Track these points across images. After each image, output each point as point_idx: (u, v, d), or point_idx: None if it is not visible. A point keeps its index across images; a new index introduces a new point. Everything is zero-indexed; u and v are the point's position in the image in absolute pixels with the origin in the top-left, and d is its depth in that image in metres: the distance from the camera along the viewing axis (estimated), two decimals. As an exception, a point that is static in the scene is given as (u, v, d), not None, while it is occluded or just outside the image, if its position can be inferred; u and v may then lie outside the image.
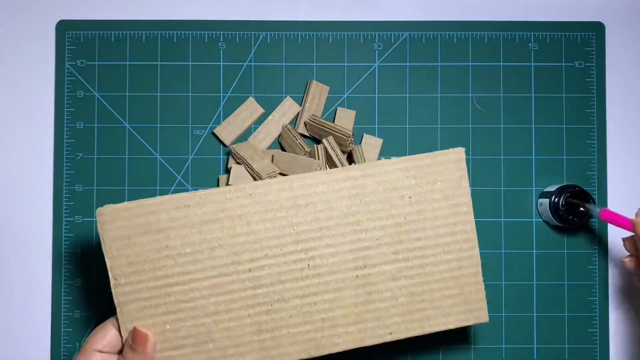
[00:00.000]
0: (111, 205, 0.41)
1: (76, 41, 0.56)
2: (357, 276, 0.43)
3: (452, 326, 0.43)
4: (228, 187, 0.42)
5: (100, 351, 0.41)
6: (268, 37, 0.57)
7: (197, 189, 0.56)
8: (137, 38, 0.56)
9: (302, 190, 0.42)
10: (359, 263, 0.43)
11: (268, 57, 0.57)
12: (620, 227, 0.46)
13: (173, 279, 0.42)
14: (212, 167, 0.56)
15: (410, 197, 0.43)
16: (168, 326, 0.42)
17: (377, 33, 0.57)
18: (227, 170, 0.55)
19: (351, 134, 0.53)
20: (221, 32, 0.57)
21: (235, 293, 0.42)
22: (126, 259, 0.41)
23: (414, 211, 0.43)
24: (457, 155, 0.43)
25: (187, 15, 0.57)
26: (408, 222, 0.43)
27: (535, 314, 0.55)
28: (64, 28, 0.57)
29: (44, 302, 0.55)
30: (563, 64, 0.57)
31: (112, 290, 0.42)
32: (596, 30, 0.57)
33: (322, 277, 0.42)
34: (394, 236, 0.43)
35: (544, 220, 0.56)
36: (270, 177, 0.52)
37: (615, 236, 0.56)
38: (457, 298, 0.43)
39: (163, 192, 0.56)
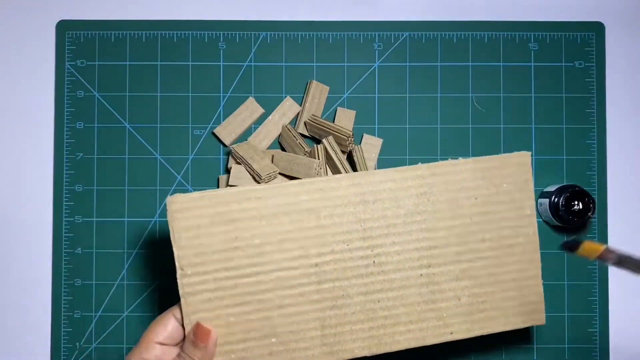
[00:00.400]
0: (182, 194, 0.41)
1: (76, 41, 0.56)
2: (421, 275, 0.43)
3: (510, 327, 0.44)
4: (299, 180, 0.42)
5: (161, 343, 0.41)
6: (268, 37, 0.57)
7: (201, 189, 0.56)
8: (137, 38, 0.56)
9: (370, 186, 0.43)
10: (424, 262, 0.43)
11: (268, 57, 0.57)
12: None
13: (240, 270, 0.41)
14: (212, 167, 0.56)
15: (476, 198, 0.43)
16: (232, 319, 0.41)
17: (377, 33, 0.57)
18: (227, 170, 0.55)
19: (351, 134, 0.53)
20: (221, 32, 0.57)
21: (301, 287, 0.42)
22: (194, 249, 0.41)
23: (480, 212, 0.43)
24: (523, 159, 0.44)
25: (187, 15, 0.57)
26: (474, 222, 0.43)
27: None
28: (64, 28, 0.57)
29: (44, 302, 0.55)
30: (563, 64, 0.57)
31: (178, 280, 0.41)
32: (596, 30, 0.57)
33: (387, 274, 0.42)
34: (459, 237, 0.43)
35: (544, 220, 0.56)
36: (271, 177, 0.52)
37: (616, 236, 0.56)
38: (516, 300, 0.44)
39: (163, 192, 0.56)
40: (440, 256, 0.43)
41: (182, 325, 0.41)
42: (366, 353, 0.42)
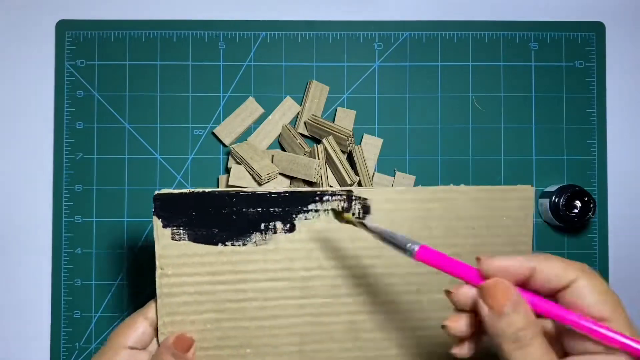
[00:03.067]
0: (169, 190, 0.39)
1: (76, 41, 0.56)
2: (409, 301, 0.41)
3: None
4: (301, 189, 0.40)
5: (131, 347, 0.38)
6: (268, 37, 0.57)
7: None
8: (137, 38, 0.56)
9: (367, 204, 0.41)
10: (413, 288, 0.41)
11: (268, 57, 0.57)
12: (455, 275, 0.31)
13: (222, 277, 0.39)
14: (212, 167, 0.56)
15: (473, 228, 0.41)
16: (209, 325, 0.40)
17: (377, 33, 0.57)
18: (227, 170, 0.55)
19: (351, 134, 0.53)
20: (221, 32, 0.57)
21: (283, 300, 0.40)
22: (177, 249, 0.39)
23: (475, 243, 0.42)
24: (526, 193, 0.42)
25: (187, 15, 0.57)
26: (467, 252, 0.41)
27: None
28: (64, 28, 0.57)
29: (44, 302, 0.55)
30: (563, 64, 0.57)
31: (157, 280, 0.39)
32: (596, 30, 0.57)
33: (375, 296, 0.41)
34: None
35: (544, 221, 0.56)
36: (271, 177, 0.52)
37: (616, 236, 0.56)
38: None
39: (163, 192, 0.56)
40: (430, 284, 0.41)
41: (156, 327, 0.39)
42: None
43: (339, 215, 0.39)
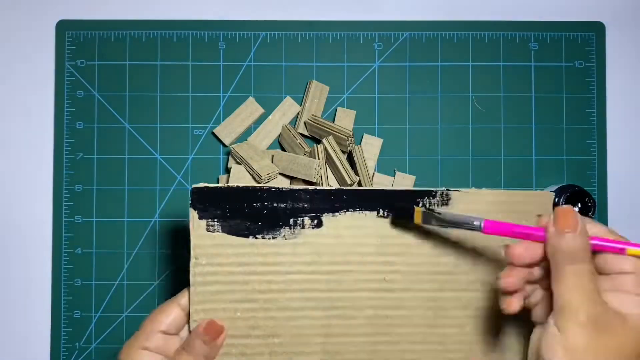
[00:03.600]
0: (205, 184, 0.41)
1: (76, 41, 0.56)
2: (431, 297, 0.42)
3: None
4: (328, 186, 0.41)
5: (164, 332, 0.39)
6: (268, 37, 0.57)
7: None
8: (137, 38, 0.56)
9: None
10: (435, 285, 0.42)
11: (268, 57, 0.57)
12: (522, 237, 0.36)
13: (253, 267, 0.41)
14: (212, 167, 0.56)
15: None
16: (239, 314, 0.41)
17: (377, 33, 0.57)
18: (227, 170, 0.55)
19: (351, 133, 0.53)
20: (221, 32, 0.57)
21: (310, 293, 0.42)
22: (211, 240, 0.41)
23: (496, 244, 0.43)
24: (545, 198, 0.43)
25: (187, 15, 0.57)
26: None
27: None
28: (64, 28, 0.57)
29: (44, 302, 0.55)
30: (563, 64, 0.57)
31: (191, 269, 0.40)
32: (596, 30, 0.57)
33: (397, 292, 0.42)
34: (472, 265, 0.43)
35: (544, 220, 0.56)
36: (271, 177, 0.52)
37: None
38: (517, 336, 0.43)
39: (163, 192, 0.56)
40: (452, 282, 0.42)
41: (188, 314, 0.41)
42: None
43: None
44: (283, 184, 0.54)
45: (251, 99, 0.56)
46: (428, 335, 0.43)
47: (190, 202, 0.40)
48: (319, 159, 0.52)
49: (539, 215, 0.36)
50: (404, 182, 0.56)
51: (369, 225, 0.42)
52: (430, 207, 0.42)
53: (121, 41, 0.56)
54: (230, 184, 0.41)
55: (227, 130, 0.56)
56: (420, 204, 0.42)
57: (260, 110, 0.56)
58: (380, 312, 0.42)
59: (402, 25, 0.57)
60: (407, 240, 0.42)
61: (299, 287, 0.41)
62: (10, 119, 0.57)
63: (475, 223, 0.37)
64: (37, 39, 0.57)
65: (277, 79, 0.57)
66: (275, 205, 0.41)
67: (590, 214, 0.52)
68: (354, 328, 0.42)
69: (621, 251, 0.33)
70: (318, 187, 0.42)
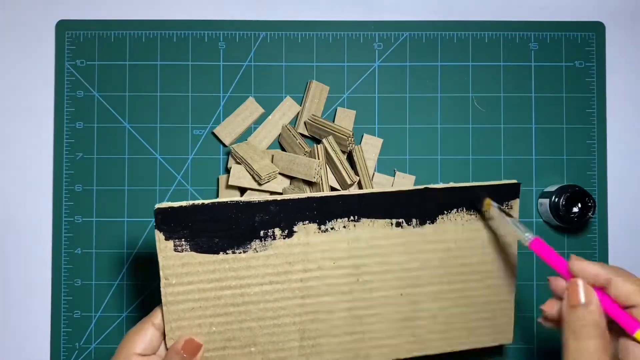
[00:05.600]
0: (169, 204, 0.40)
1: (76, 41, 0.56)
2: (401, 294, 0.43)
3: (480, 346, 0.46)
4: (296, 194, 0.42)
5: (141, 354, 0.39)
6: (268, 37, 0.57)
7: (200, 190, 0.56)
8: (137, 38, 0.56)
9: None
10: (406, 282, 0.43)
11: (268, 57, 0.57)
12: (553, 267, 0.37)
13: (226, 282, 0.41)
14: (212, 167, 0.56)
15: (463, 225, 0.44)
16: (214, 328, 0.41)
17: (377, 33, 0.57)
18: (227, 170, 0.55)
19: (351, 133, 0.53)
20: (221, 32, 0.57)
21: (284, 301, 0.42)
22: (180, 260, 0.40)
23: (464, 238, 0.44)
24: (511, 189, 0.45)
25: (187, 15, 0.57)
26: (457, 247, 0.44)
27: (535, 314, 0.55)
28: (64, 28, 0.57)
29: (44, 302, 0.55)
30: (563, 64, 0.57)
31: (162, 289, 0.40)
32: (596, 30, 0.57)
33: (370, 292, 0.43)
34: (441, 260, 0.44)
35: (544, 221, 0.56)
36: (271, 177, 0.52)
37: (616, 236, 0.56)
38: (489, 321, 0.45)
39: (163, 192, 0.56)
40: (422, 277, 0.44)
41: (164, 333, 0.40)
42: None
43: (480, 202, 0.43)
44: (283, 184, 0.54)
45: (251, 99, 0.56)
46: (401, 329, 0.44)
47: (154, 224, 0.39)
48: (319, 159, 0.52)
49: (571, 256, 0.36)
50: (404, 181, 0.56)
51: (338, 230, 0.42)
52: (499, 206, 0.42)
53: (121, 41, 0.56)
54: (196, 201, 0.40)
55: (227, 130, 0.56)
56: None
57: (260, 110, 0.56)
58: (354, 313, 0.43)
59: (402, 25, 0.57)
60: (376, 242, 0.43)
61: (272, 298, 0.42)
62: (10, 119, 0.57)
63: (526, 235, 0.38)
64: (37, 39, 0.57)
65: (277, 79, 0.57)
66: (243, 218, 0.41)
67: (590, 213, 0.52)
68: (329, 330, 0.43)
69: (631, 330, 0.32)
70: (286, 197, 0.41)
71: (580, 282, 0.33)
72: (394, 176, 0.56)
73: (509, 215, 0.41)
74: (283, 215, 0.41)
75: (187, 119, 0.56)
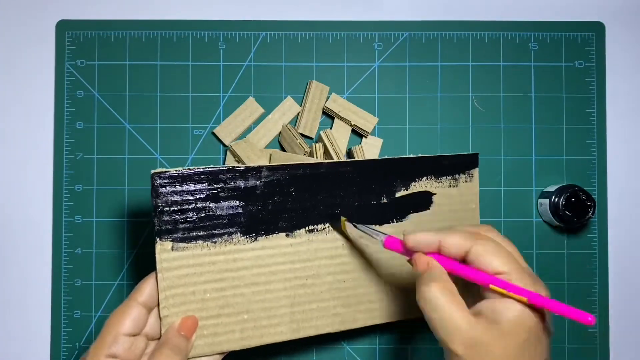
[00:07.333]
0: (168, 169, 0.41)
1: (76, 41, 0.56)
2: (378, 258, 0.46)
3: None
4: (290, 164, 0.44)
5: (129, 334, 0.38)
6: (268, 37, 0.57)
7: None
8: (137, 38, 0.56)
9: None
10: (374, 248, 0.46)
11: (268, 57, 0.57)
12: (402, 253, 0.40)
13: (219, 247, 0.42)
14: (212, 167, 0.56)
15: (435, 195, 0.48)
16: (208, 294, 0.42)
17: (377, 33, 0.57)
18: (227, 170, 0.55)
19: (376, 120, 0.53)
20: (221, 32, 0.57)
21: (275, 266, 0.43)
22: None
23: (436, 203, 0.48)
24: (471, 159, 0.49)
25: (187, 15, 0.57)
26: (432, 212, 0.48)
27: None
28: (64, 28, 0.57)
29: (43, 302, 0.55)
30: (563, 64, 0.57)
31: (157, 255, 0.40)
32: (596, 30, 0.57)
33: (353, 257, 0.46)
34: (415, 225, 0.47)
35: (544, 221, 0.56)
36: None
37: (616, 236, 0.56)
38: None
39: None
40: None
41: (149, 310, 0.40)
42: (329, 330, 0.45)
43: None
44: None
45: (251, 99, 0.56)
46: (382, 292, 0.47)
47: (152, 188, 0.40)
48: (317, 158, 0.52)
49: (403, 234, 0.39)
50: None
51: (326, 197, 0.45)
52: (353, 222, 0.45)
53: (121, 41, 0.56)
54: (193, 167, 0.42)
55: (227, 130, 0.56)
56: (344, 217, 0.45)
57: (260, 110, 0.56)
58: (338, 277, 0.45)
59: (402, 25, 0.57)
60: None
61: (264, 262, 0.43)
62: (10, 119, 0.57)
63: (378, 238, 0.41)
64: (37, 39, 0.57)
65: (277, 79, 0.57)
66: (239, 185, 0.43)
67: (590, 213, 0.52)
68: (316, 295, 0.44)
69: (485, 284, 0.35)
70: (277, 164, 0.44)
71: (421, 255, 0.38)
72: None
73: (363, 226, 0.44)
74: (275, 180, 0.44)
75: (187, 119, 0.56)
